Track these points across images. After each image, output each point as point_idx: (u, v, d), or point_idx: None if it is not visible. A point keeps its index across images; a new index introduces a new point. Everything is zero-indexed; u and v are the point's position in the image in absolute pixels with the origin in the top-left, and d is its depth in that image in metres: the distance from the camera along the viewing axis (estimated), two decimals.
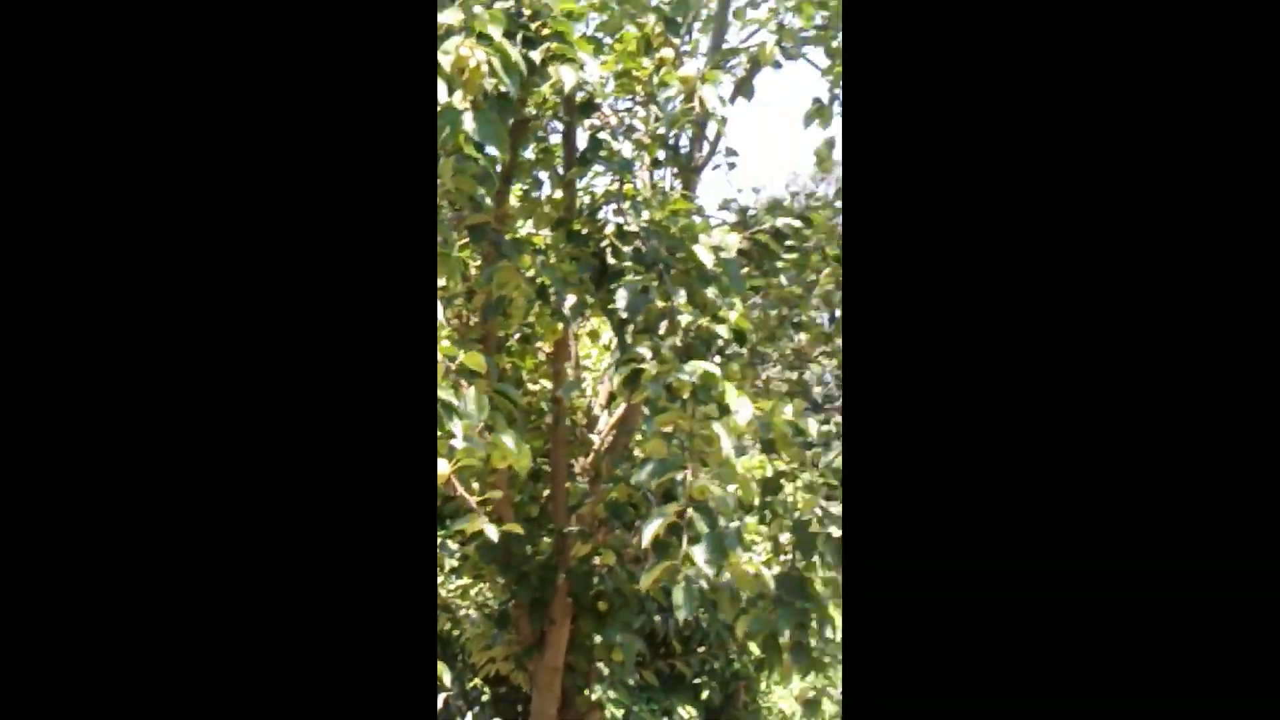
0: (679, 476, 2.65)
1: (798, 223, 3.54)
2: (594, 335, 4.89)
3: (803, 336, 4.02)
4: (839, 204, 3.99)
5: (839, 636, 6.30)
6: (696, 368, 2.76)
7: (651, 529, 2.50)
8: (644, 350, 2.94)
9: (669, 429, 2.76)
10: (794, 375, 4.16)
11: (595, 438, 4.29)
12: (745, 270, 3.73)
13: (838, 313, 4.11)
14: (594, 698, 4.35)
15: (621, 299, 2.97)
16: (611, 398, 4.33)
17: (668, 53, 3.69)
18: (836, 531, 3.36)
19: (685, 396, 2.80)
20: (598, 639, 4.22)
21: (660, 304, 3.02)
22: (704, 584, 2.55)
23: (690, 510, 2.53)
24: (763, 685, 5.85)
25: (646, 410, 2.84)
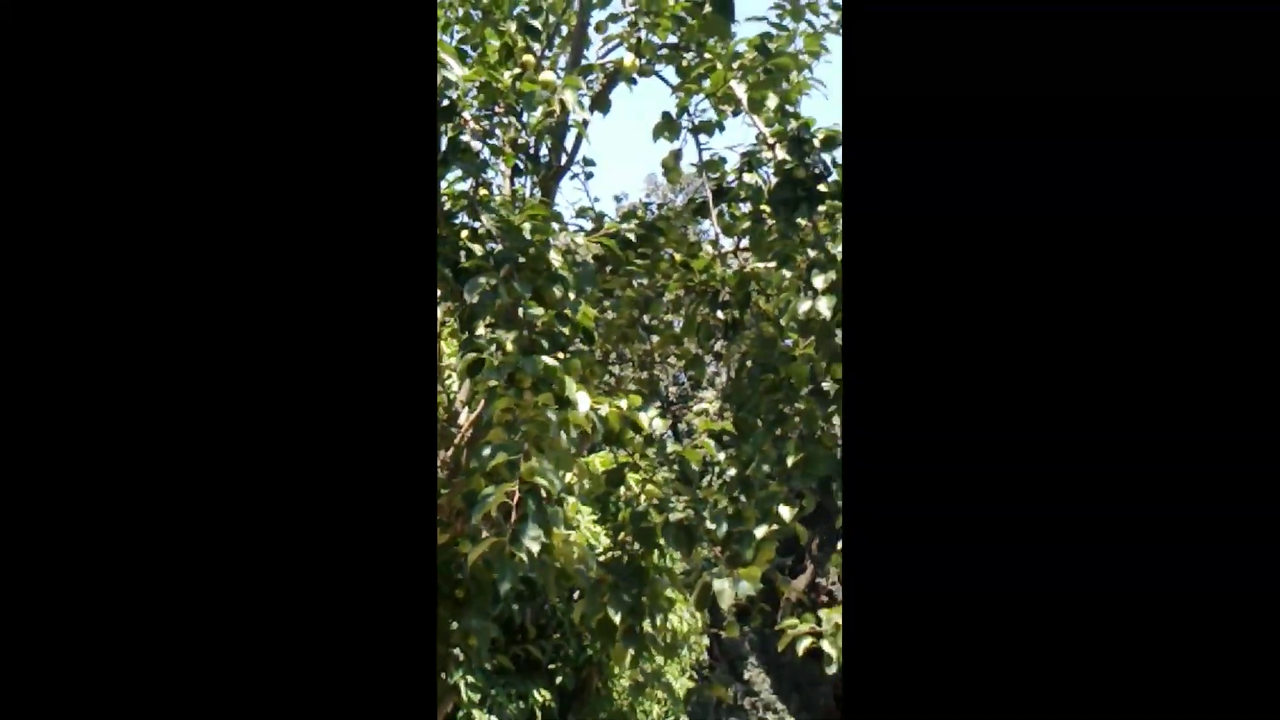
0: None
1: (644, 232, 3.76)
2: (456, 335, 5.02)
3: (654, 338, 4.23)
4: (689, 213, 4.22)
5: (677, 622, 6.55)
6: (538, 360, 2.96)
7: (482, 507, 2.68)
8: (491, 342, 3.13)
9: (509, 418, 2.95)
10: (644, 375, 4.37)
11: (455, 430, 4.44)
12: (599, 274, 3.92)
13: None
14: (451, 682, 4.49)
15: (469, 293, 3.13)
16: (472, 395, 4.47)
17: (528, 58, 3.88)
18: (677, 515, 3.57)
19: (526, 387, 2.99)
20: (455, 625, 4.36)
21: (507, 299, 3.19)
22: (526, 561, 2.72)
23: (519, 491, 2.71)
24: (615, 670, 6.06)
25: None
